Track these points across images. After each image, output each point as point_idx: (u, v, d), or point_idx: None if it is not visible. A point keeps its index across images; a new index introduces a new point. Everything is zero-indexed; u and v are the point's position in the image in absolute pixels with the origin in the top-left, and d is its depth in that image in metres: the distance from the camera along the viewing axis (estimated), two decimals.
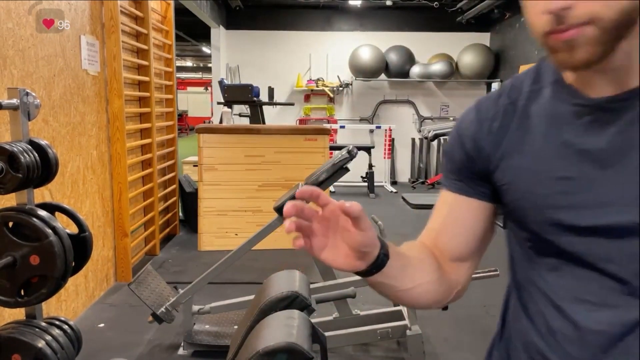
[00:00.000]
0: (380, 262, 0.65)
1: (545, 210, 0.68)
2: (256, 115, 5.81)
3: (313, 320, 1.45)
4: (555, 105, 0.68)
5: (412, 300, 0.76)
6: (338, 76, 7.90)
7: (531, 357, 0.72)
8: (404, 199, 6.47)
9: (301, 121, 7.93)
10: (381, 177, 7.42)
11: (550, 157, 0.68)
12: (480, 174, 0.75)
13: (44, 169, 1.50)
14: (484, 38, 7.78)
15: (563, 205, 0.66)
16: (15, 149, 1.39)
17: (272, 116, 7.57)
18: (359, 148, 3.02)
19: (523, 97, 0.72)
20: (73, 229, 1.59)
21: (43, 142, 1.51)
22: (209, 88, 16.14)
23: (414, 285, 0.73)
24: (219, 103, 6.35)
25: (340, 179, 2.58)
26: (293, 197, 1.72)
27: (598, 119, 0.64)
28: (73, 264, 1.54)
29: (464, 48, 7.53)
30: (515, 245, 0.77)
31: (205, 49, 13.13)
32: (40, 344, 1.46)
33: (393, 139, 7.69)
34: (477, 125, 0.75)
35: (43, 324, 1.55)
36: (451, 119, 7.66)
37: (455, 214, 0.79)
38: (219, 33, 7.54)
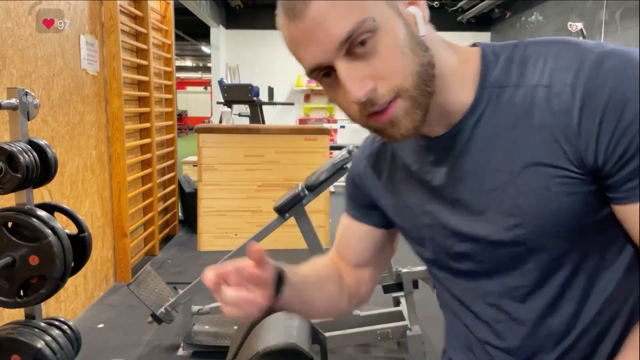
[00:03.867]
0: (278, 282, 0.71)
1: (417, 240, 0.79)
2: (256, 115, 5.82)
3: (313, 321, 1.44)
4: (412, 146, 0.75)
5: (311, 314, 0.89)
6: None
7: None
8: None
9: (301, 121, 7.93)
10: None
11: (413, 196, 0.76)
12: (371, 205, 0.85)
13: (43, 169, 1.49)
14: (485, 37, 7.78)
15: (430, 236, 0.76)
16: (15, 149, 1.39)
17: (272, 116, 7.57)
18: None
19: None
20: (72, 229, 1.59)
21: (42, 142, 1.51)
22: (209, 88, 16.14)
23: (314, 301, 0.82)
24: (218, 103, 6.35)
25: (341, 179, 2.58)
26: (293, 199, 1.83)
27: (437, 159, 0.71)
28: (72, 264, 1.54)
29: None
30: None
31: (205, 49, 13.13)
32: (40, 344, 1.46)
33: None
34: (360, 165, 0.85)
35: (42, 324, 1.54)
36: None
37: (351, 233, 0.89)
38: (218, 32, 7.55)
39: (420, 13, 0.62)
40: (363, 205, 0.86)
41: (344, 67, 0.60)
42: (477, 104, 0.66)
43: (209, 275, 0.64)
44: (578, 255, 0.66)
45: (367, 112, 0.62)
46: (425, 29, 0.62)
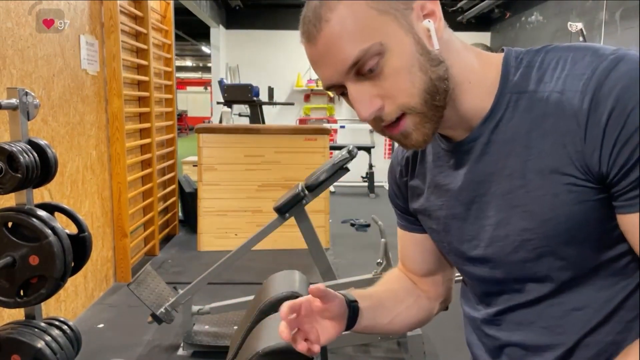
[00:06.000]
0: (352, 313, 0.77)
1: (440, 244, 0.81)
2: (256, 115, 5.81)
3: None
4: (435, 150, 0.77)
5: (398, 328, 0.87)
6: None
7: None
8: None
9: (301, 121, 7.92)
10: (381, 177, 7.41)
11: (433, 198, 0.78)
12: (409, 211, 0.86)
13: (43, 169, 1.49)
14: (485, 37, 7.78)
15: (447, 240, 0.78)
16: (15, 149, 1.39)
17: (272, 116, 7.57)
18: (359, 148, 3.01)
19: None
20: (72, 229, 1.58)
21: (42, 142, 1.50)
22: (209, 88, 16.13)
23: (392, 317, 0.85)
24: (218, 103, 6.35)
25: (341, 179, 2.58)
26: (293, 198, 1.85)
27: (457, 162, 0.72)
28: (72, 264, 1.54)
29: None
30: None
31: (205, 49, 13.12)
32: (40, 344, 1.46)
33: None
34: (394, 171, 0.87)
35: (42, 324, 1.54)
36: None
37: (406, 244, 0.90)
38: (218, 32, 7.54)
39: (433, 26, 0.63)
40: (407, 212, 0.86)
41: (353, 88, 0.64)
42: (495, 109, 0.67)
43: (284, 309, 0.69)
44: (595, 265, 0.66)
45: (380, 127, 0.67)
46: (438, 43, 0.63)
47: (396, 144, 0.88)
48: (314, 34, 0.63)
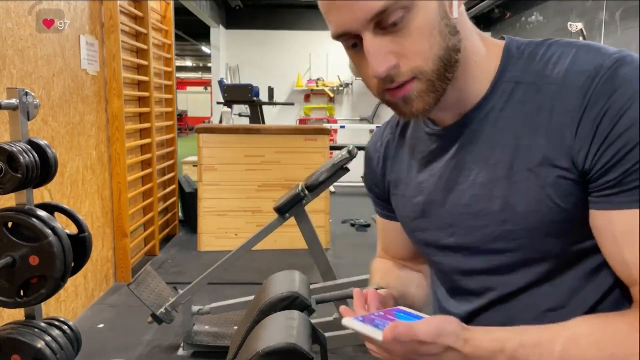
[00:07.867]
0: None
1: (412, 234, 0.81)
2: (256, 115, 5.81)
3: (313, 321, 1.44)
4: (416, 134, 0.77)
5: (420, 308, 0.84)
6: (338, 76, 7.89)
7: None
8: None
9: (301, 121, 7.92)
10: None
11: (413, 184, 0.77)
12: (388, 199, 0.86)
13: (43, 169, 1.49)
14: None
15: (423, 228, 0.77)
16: (15, 149, 1.38)
17: (272, 116, 7.57)
18: (359, 148, 3.01)
19: (399, 128, 0.82)
20: (72, 229, 1.58)
21: (42, 142, 1.50)
22: (209, 88, 16.14)
23: (413, 300, 0.84)
24: (218, 103, 6.35)
25: (340, 179, 2.58)
26: (293, 198, 1.82)
27: (442, 146, 0.72)
28: (72, 264, 1.54)
29: None
30: None
31: (205, 49, 13.13)
32: (40, 344, 1.46)
33: None
34: (371, 159, 0.86)
35: (42, 324, 1.54)
36: None
37: (388, 232, 0.90)
38: (218, 32, 7.54)
39: None
40: (386, 201, 0.86)
41: (370, 40, 0.60)
42: (489, 97, 0.67)
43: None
44: (569, 261, 0.66)
45: (384, 87, 0.63)
46: (457, 12, 0.63)
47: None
48: None
